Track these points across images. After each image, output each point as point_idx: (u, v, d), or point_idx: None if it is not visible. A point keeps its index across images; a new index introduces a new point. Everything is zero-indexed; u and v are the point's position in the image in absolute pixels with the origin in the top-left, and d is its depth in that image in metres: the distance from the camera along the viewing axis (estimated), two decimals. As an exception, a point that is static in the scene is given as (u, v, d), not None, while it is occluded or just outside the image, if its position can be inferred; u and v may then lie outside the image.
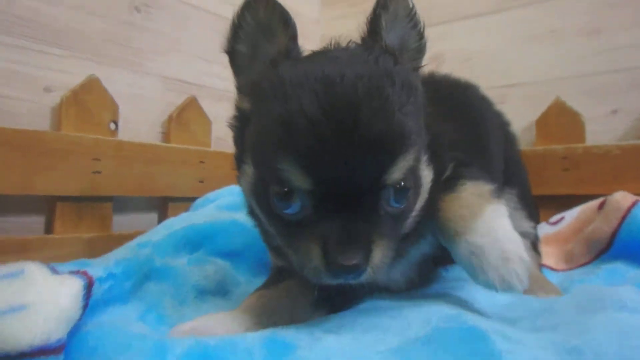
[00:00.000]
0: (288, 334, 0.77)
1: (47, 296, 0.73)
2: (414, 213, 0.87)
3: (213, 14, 1.98)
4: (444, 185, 0.95)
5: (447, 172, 0.97)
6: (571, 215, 1.67)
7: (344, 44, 0.90)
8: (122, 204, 1.66)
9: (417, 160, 0.82)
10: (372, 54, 0.82)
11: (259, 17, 0.86)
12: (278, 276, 1.01)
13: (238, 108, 0.92)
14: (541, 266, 1.46)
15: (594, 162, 1.77)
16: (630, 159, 1.71)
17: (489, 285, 0.83)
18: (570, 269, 1.50)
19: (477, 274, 0.85)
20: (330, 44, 0.91)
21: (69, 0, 1.53)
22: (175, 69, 1.84)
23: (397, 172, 0.76)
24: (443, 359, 0.69)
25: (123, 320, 0.89)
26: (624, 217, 1.44)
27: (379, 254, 0.76)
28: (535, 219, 1.49)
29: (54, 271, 0.83)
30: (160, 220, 1.73)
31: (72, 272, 0.85)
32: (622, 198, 1.48)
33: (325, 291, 0.89)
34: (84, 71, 1.54)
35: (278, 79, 0.78)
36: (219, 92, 2.04)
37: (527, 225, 1.42)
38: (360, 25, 0.89)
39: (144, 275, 1.08)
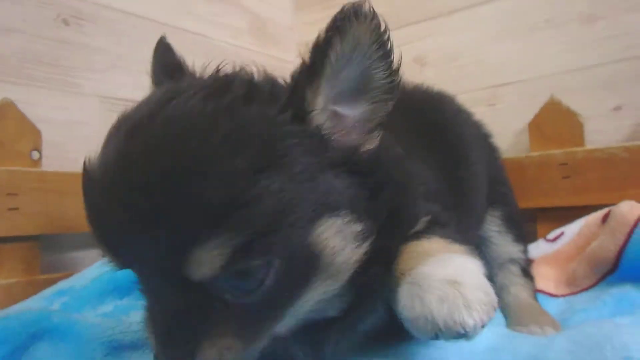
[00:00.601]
0: None
1: None
2: (313, 295, 0.67)
3: (162, 24, 1.79)
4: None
5: (418, 227, 0.80)
6: (572, 231, 1.48)
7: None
8: (53, 243, 1.47)
9: (269, 240, 0.58)
10: (225, 94, 0.63)
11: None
12: None
13: None
14: (536, 292, 1.31)
15: (597, 167, 1.55)
16: (638, 163, 1.49)
17: (427, 327, 0.59)
18: (573, 293, 1.33)
19: (415, 313, 0.61)
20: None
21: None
22: (116, 87, 1.65)
23: (201, 268, 0.56)
24: None
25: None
26: (631, 233, 1.24)
27: (211, 350, 0.59)
28: (524, 240, 1.36)
29: None
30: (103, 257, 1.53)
31: None
32: (628, 210, 1.29)
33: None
34: (-1, 94, 1.36)
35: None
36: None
37: (514, 249, 1.31)
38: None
39: (29, 337, 0.89)
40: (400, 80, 0.68)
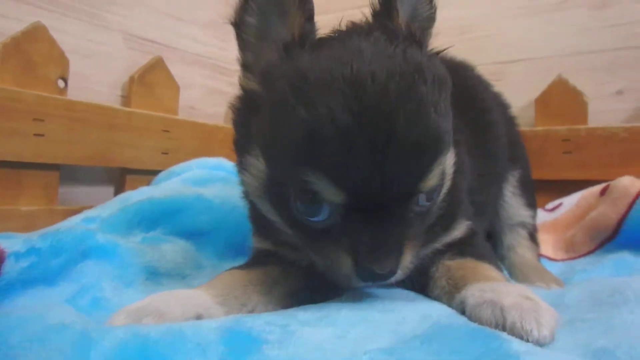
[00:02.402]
0: (255, 325, 0.63)
1: None
2: (440, 202, 0.83)
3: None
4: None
5: (458, 230, 0.93)
6: (570, 202, 1.57)
7: (358, 23, 0.83)
8: (72, 174, 1.46)
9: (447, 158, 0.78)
10: (398, 45, 0.75)
11: None
12: (258, 259, 0.93)
13: (243, 88, 0.84)
14: (539, 256, 1.39)
15: (598, 145, 1.64)
16: (637, 142, 1.58)
17: (491, 317, 0.68)
18: (571, 258, 1.41)
19: (484, 300, 0.71)
20: (343, 25, 0.83)
21: None
22: (139, 25, 1.64)
23: (433, 179, 0.73)
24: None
25: (45, 305, 0.72)
26: (632, 204, 1.33)
27: (409, 256, 0.74)
28: (534, 207, 1.42)
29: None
30: (118, 194, 1.52)
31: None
32: (630, 183, 1.37)
33: (310, 284, 0.86)
34: (29, 18, 1.33)
35: (298, 74, 0.72)
36: (190, 56, 1.86)
37: (525, 213, 1.37)
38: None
39: (80, 253, 0.91)
40: (436, 11, 0.86)
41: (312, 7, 0.79)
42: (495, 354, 0.57)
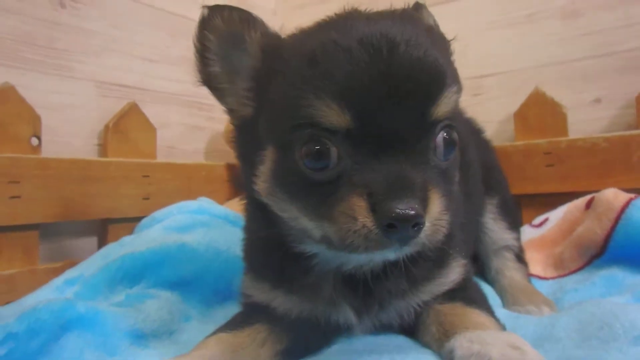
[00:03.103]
0: None
1: None
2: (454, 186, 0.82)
3: (155, 9, 1.78)
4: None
5: (453, 274, 0.90)
6: (556, 216, 1.56)
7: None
8: (52, 231, 1.45)
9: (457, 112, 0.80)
10: (405, 11, 0.85)
11: (219, 30, 0.80)
12: (245, 317, 0.91)
13: (237, 121, 0.86)
14: (529, 276, 1.39)
15: (580, 156, 1.64)
16: (617, 152, 1.59)
17: None
18: (561, 276, 1.40)
19: (471, 352, 0.71)
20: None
21: (-27, -4, 1.32)
22: (111, 71, 1.63)
23: (444, 105, 0.70)
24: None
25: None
26: (617, 218, 1.33)
27: (437, 204, 0.68)
28: (517, 228, 1.44)
29: None
30: (101, 244, 1.51)
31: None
32: (613, 197, 1.37)
33: (298, 338, 0.85)
34: (-4, 78, 1.32)
35: (295, 42, 0.77)
36: (165, 96, 1.84)
37: (508, 237, 1.38)
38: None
39: (59, 327, 0.89)
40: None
41: (261, 21, 0.81)
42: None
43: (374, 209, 0.64)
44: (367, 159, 0.67)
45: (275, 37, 0.81)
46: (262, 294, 0.90)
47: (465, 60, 1.90)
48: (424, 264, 0.84)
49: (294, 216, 0.76)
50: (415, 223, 0.64)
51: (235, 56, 0.81)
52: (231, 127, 0.90)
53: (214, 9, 0.80)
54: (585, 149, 1.62)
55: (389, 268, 0.81)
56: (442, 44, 0.82)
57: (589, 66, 1.73)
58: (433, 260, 0.85)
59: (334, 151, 0.68)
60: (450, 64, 0.79)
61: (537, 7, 1.82)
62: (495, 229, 1.37)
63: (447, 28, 1.92)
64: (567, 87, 1.75)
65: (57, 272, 1.23)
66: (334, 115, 0.66)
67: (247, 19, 0.80)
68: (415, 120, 0.68)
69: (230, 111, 0.85)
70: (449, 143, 0.73)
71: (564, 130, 1.71)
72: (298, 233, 0.79)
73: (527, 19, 1.84)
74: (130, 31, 1.70)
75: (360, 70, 0.66)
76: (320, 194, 0.70)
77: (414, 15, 0.86)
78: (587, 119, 1.72)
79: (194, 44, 0.81)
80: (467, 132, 1.35)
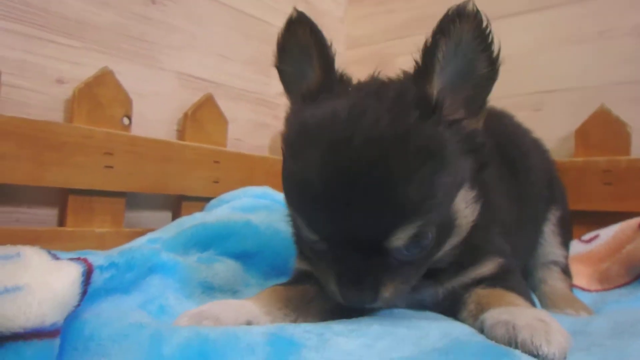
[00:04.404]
0: (296, 332, 0.73)
1: (42, 279, 0.70)
2: (443, 250, 0.86)
3: (232, 9, 1.95)
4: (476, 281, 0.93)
5: (488, 267, 0.94)
6: (607, 234, 1.57)
7: (379, 79, 0.89)
8: (136, 201, 1.63)
9: (436, 216, 0.78)
10: (398, 108, 0.76)
11: (298, 39, 0.86)
12: (296, 279, 1.01)
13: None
14: (572, 287, 1.40)
15: (639, 176, 1.62)
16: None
17: (505, 335, 0.73)
18: (605, 289, 1.43)
19: (498, 320, 0.76)
20: (372, 77, 0.90)
21: (81, -10, 1.52)
22: (191, 65, 1.81)
23: (398, 241, 0.76)
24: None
25: (123, 310, 0.85)
26: (667, 237, 1.34)
27: (388, 291, 0.78)
28: (568, 246, 1.44)
29: (54, 257, 0.81)
30: (174, 219, 1.68)
31: (72, 259, 0.82)
32: None
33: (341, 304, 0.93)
34: (97, 63, 1.52)
35: (300, 127, 0.81)
36: (236, 91, 2.00)
37: (559, 252, 1.39)
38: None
39: (148, 269, 1.04)
40: (499, 67, 0.80)
41: (332, 58, 0.85)
42: (503, 367, 0.64)
43: (338, 288, 0.79)
44: (337, 251, 0.78)
45: (319, 92, 0.85)
46: (307, 266, 1.00)
47: (529, 75, 1.92)
48: (448, 270, 0.92)
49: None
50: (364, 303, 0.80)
51: (304, 69, 0.88)
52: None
53: (302, 15, 0.86)
54: (645, 170, 1.60)
55: None
56: (422, 161, 0.74)
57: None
58: (458, 266, 0.93)
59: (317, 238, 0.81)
60: (424, 185, 0.74)
61: (611, 24, 1.79)
62: (550, 241, 1.37)
63: (515, 42, 1.94)
64: (634, 108, 1.72)
65: (138, 235, 1.38)
66: (308, 233, 0.80)
67: (321, 48, 0.85)
68: (372, 249, 0.76)
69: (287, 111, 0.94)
70: (418, 245, 0.78)
71: (626, 150, 1.69)
72: None
73: (599, 36, 1.81)
74: (209, 29, 1.87)
75: (323, 211, 0.76)
76: (312, 250, 0.85)
77: (406, 127, 0.75)
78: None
79: (277, 38, 0.88)
80: (528, 144, 1.38)
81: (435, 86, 0.79)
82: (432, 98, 0.79)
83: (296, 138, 0.81)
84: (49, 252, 0.82)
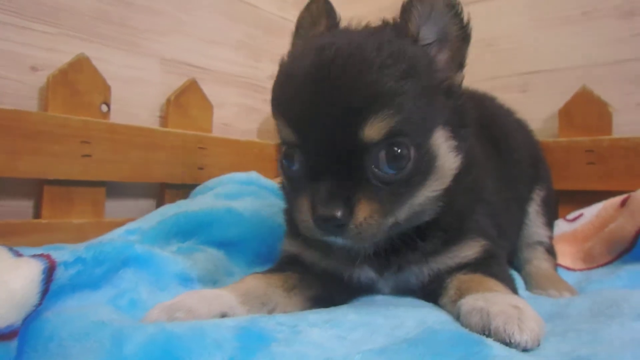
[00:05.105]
0: (268, 325, 0.71)
1: (-1, 278, 0.67)
2: (427, 191, 0.87)
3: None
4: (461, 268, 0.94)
5: (472, 250, 0.96)
6: (591, 213, 1.58)
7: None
8: (117, 190, 1.60)
9: (412, 128, 0.82)
10: (379, 30, 0.89)
11: (312, 13, 1.02)
12: (279, 266, 1.01)
13: None
14: (556, 266, 1.42)
15: (622, 155, 1.63)
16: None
17: (479, 323, 0.75)
18: (589, 269, 1.43)
19: (472, 308, 0.78)
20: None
21: (57, -25, 1.48)
22: (175, 50, 1.77)
23: (372, 130, 0.78)
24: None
25: (90, 306, 0.82)
26: (650, 215, 1.33)
27: (363, 212, 0.78)
28: (552, 226, 1.46)
29: (15, 254, 0.79)
30: (158, 207, 1.66)
31: (34, 256, 0.79)
32: None
33: (325, 290, 0.96)
34: (74, 50, 1.48)
35: (296, 47, 0.96)
36: (224, 76, 1.97)
37: (544, 233, 1.41)
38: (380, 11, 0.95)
39: (120, 262, 1.01)
40: (470, 31, 0.92)
41: (336, 19, 1.01)
42: (473, 358, 0.63)
43: (311, 207, 0.80)
44: (315, 172, 0.82)
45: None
46: (295, 247, 1.01)
47: (515, 56, 1.94)
48: (432, 241, 0.93)
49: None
50: (337, 223, 0.78)
51: (309, 35, 1.02)
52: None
53: None
54: (628, 149, 1.62)
55: (398, 243, 0.91)
56: (394, 62, 0.81)
57: (639, 68, 1.70)
58: (443, 238, 0.94)
59: (297, 161, 0.86)
60: (396, 82, 0.80)
61: (593, 5, 1.80)
62: (535, 222, 1.40)
63: (498, 25, 1.97)
64: (616, 88, 1.73)
65: (120, 225, 1.35)
66: (288, 134, 0.84)
67: (328, 12, 1.01)
68: (347, 142, 0.79)
69: None
70: (396, 158, 0.81)
71: (608, 130, 1.71)
72: None
73: (581, 17, 1.82)
74: (195, 14, 1.83)
75: (300, 97, 0.82)
76: (292, 185, 0.90)
77: (390, 33, 0.88)
78: (633, 121, 1.70)
79: (297, 20, 1.05)
80: (511, 124, 1.41)
81: (413, 27, 0.90)
82: (409, 28, 0.89)
83: (290, 54, 0.93)
84: (10, 249, 0.80)
